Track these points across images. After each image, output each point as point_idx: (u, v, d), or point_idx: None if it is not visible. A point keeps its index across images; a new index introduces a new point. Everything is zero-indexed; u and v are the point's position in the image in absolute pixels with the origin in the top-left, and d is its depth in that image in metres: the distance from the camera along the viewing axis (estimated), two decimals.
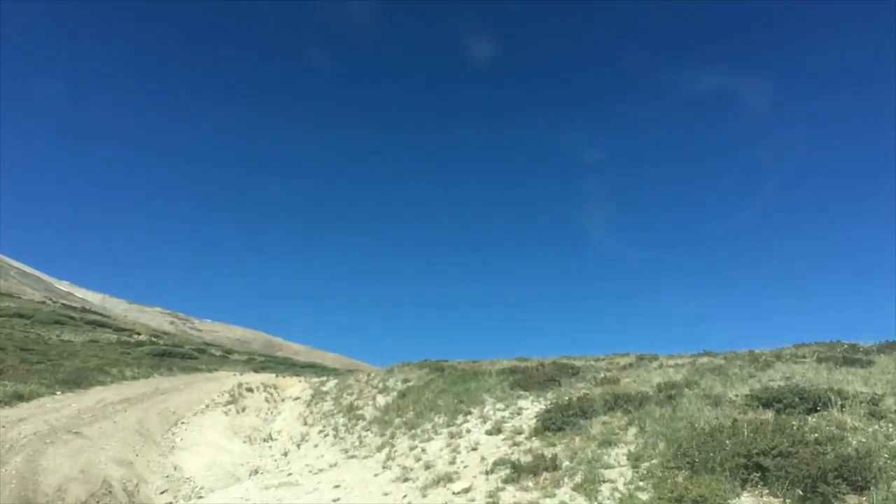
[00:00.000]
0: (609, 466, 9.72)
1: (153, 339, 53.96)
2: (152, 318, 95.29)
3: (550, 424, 12.42)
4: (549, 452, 10.87)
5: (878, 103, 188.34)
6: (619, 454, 10.37)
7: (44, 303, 60.29)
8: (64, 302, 68.79)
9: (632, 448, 10.52)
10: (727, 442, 8.52)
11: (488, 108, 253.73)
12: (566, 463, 10.19)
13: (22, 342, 38.30)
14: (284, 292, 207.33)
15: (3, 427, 13.01)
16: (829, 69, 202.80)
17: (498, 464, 10.91)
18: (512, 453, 11.47)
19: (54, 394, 17.79)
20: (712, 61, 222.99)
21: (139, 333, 55.37)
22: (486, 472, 10.72)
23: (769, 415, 11.14)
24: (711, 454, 8.23)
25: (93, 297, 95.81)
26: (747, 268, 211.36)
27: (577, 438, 11.54)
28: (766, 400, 12.01)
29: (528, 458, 10.65)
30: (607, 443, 10.93)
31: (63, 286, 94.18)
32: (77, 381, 20.01)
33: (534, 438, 12.23)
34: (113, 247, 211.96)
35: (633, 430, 11.41)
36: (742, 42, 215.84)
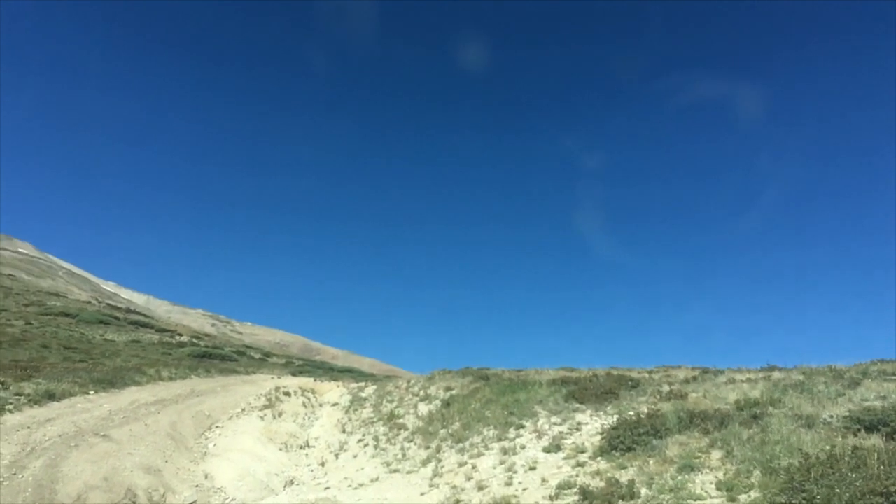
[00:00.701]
0: (698, 497, 8.30)
1: (194, 340, 54.05)
2: (194, 319, 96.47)
3: (618, 443, 11.02)
4: (622, 477, 9.49)
5: (879, 108, 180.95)
6: (705, 482, 8.94)
7: (89, 302, 61.21)
8: (109, 302, 69.89)
9: (720, 475, 9.08)
10: (852, 475, 7.02)
11: (486, 115, 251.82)
12: (645, 490, 8.81)
13: (66, 341, 38.51)
14: (322, 296, 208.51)
15: (28, 428, 12.27)
16: (828, 75, 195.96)
17: (563, 488, 9.57)
18: (577, 475, 10.12)
19: (87, 393, 17.14)
20: (711, 69, 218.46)
21: (181, 334, 55.58)
22: (550, 498, 9.39)
23: (875, 440, 9.60)
24: (838, 490, 6.75)
25: (137, 298, 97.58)
26: (747, 277, 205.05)
27: (652, 461, 10.13)
28: (870, 423, 10.42)
29: (599, 483, 9.29)
30: (689, 467, 9.50)
31: (109, 287, 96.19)
32: (112, 381, 19.41)
33: (600, 459, 10.85)
34: (159, 250, 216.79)
35: (717, 454, 9.95)
36: (741, 49, 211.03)
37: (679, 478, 9.16)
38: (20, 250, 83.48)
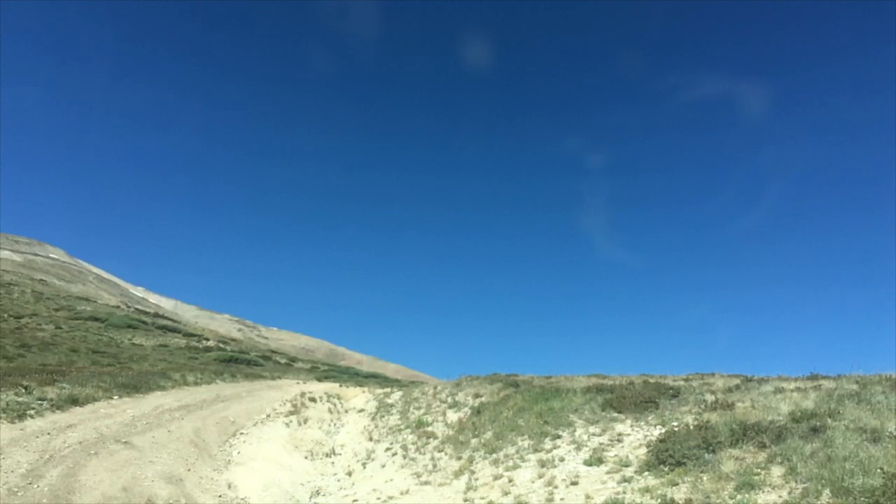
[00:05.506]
0: None
1: (221, 345, 54.18)
2: (221, 324, 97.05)
3: (667, 457, 10.24)
4: (674, 494, 8.73)
5: (883, 104, 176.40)
6: (769, 502, 8.14)
7: (118, 307, 61.83)
8: (138, 307, 70.60)
9: (784, 495, 8.28)
10: None
11: (488, 113, 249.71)
12: None
13: (95, 345, 38.76)
14: (347, 302, 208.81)
15: (49, 434, 11.92)
16: (832, 72, 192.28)
17: None
18: (624, 492, 9.37)
19: (111, 398, 16.85)
20: (713, 66, 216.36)
21: (208, 339, 55.74)
22: None
23: None
24: None
25: (165, 303, 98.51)
26: (751, 275, 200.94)
27: (705, 477, 9.34)
28: None
29: (650, 501, 8.55)
30: (748, 485, 8.70)
31: (138, 291, 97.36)
32: (136, 386, 19.12)
33: (647, 474, 10.08)
34: (187, 255, 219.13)
35: (777, 470, 9.12)
36: (743, 47, 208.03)
37: (739, 497, 8.38)
38: (52, 256, 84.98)
